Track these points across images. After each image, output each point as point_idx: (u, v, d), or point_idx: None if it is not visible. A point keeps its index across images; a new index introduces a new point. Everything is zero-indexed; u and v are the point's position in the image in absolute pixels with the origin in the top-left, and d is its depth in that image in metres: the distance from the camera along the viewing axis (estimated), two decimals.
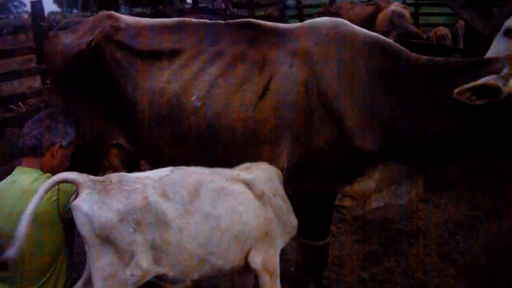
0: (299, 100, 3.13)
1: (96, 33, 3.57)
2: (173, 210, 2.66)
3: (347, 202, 3.42)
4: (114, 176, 2.67)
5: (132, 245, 2.53)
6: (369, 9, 14.88)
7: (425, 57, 3.20)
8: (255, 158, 3.19)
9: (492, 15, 7.06)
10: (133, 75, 3.44)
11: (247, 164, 3.15)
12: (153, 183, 2.69)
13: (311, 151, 3.14)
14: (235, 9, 17.70)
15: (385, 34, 12.85)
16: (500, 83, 2.72)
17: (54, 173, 3.15)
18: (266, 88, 3.19)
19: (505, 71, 2.81)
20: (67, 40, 3.68)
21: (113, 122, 3.60)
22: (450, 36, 12.85)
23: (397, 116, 3.11)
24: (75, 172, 2.65)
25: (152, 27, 3.59)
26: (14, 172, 3.12)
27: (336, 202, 3.40)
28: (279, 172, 3.20)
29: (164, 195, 2.67)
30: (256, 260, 2.93)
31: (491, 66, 2.92)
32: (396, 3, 14.11)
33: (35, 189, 2.87)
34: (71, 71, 3.62)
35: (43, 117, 3.26)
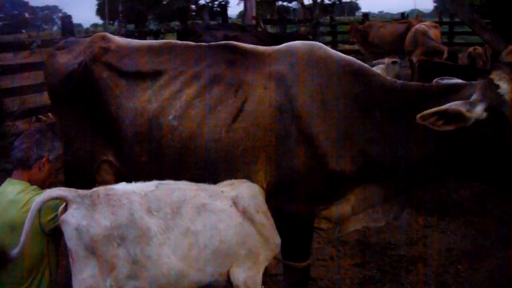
0: (273, 122, 3.16)
1: (86, 54, 3.67)
2: (156, 225, 2.73)
3: (324, 224, 3.43)
4: (102, 190, 2.76)
5: (114, 259, 2.62)
6: (401, 27, 14.84)
7: (399, 82, 3.21)
8: (230, 178, 3.21)
9: None
10: (118, 95, 3.52)
11: (231, 181, 3.18)
12: (139, 199, 2.76)
13: (287, 172, 3.16)
14: (267, 26, 17.83)
15: (410, 52, 12.85)
16: (463, 109, 2.72)
17: (40, 185, 3.27)
18: (240, 110, 3.23)
19: (473, 97, 2.81)
20: (63, 59, 3.79)
21: (102, 139, 3.68)
22: (484, 57, 12.63)
23: (371, 140, 3.11)
24: (63, 188, 2.77)
25: (140, 49, 3.66)
26: (4, 183, 3.27)
27: (315, 224, 3.40)
28: (262, 189, 3.21)
29: (149, 211, 2.74)
30: (238, 277, 2.95)
31: (462, 92, 2.93)
32: (427, 22, 14.00)
33: (19, 200, 3.08)
34: (64, 89, 3.73)
35: (33, 132, 3.41)
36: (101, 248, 2.59)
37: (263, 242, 3.05)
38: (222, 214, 2.92)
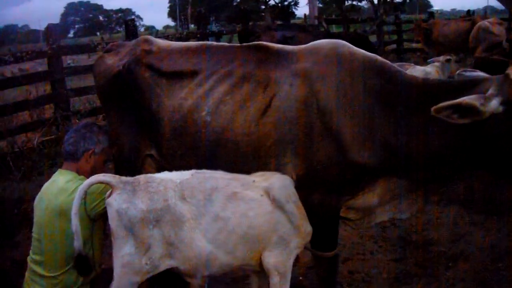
0: (299, 117, 3.32)
1: (131, 56, 3.95)
2: (189, 211, 2.98)
3: (352, 215, 3.55)
4: (142, 178, 3.08)
5: (150, 239, 2.91)
6: (465, 25, 14.51)
7: (420, 78, 3.35)
8: (260, 170, 3.38)
9: None
10: (159, 93, 3.78)
11: (263, 172, 3.36)
12: (174, 186, 3.03)
13: (312, 164, 3.32)
14: (332, 26, 17.80)
15: (474, 49, 12.57)
16: (477, 103, 2.80)
17: (88, 176, 3.56)
18: (268, 106, 3.41)
19: (490, 91, 2.87)
20: (110, 61, 4.09)
21: (146, 135, 3.94)
22: None
23: (394, 133, 3.22)
24: (109, 174, 3.10)
25: (179, 50, 3.92)
26: (55, 173, 3.61)
27: (342, 214, 3.53)
28: (292, 181, 3.36)
29: (183, 198, 3.00)
30: (269, 261, 3.14)
31: (481, 86, 2.99)
32: (491, 19, 13.64)
33: (68, 188, 3.39)
34: (111, 89, 4.04)
35: (80, 127, 3.74)
36: (138, 229, 2.89)
37: (293, 230, 3.21)
38: (253, 202, 3.12)
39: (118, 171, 4.21)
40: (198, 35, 12.38)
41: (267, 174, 3.34)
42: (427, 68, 7.98)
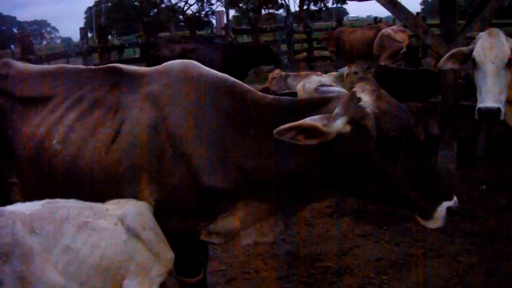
0: (149, 142, 3.18)
1: None
2: (38, 244, 2.83)
3: (214, 239, 3.43)
4: None
5: (1, 276, 2.75)
6: (370, 33, 14.88)
7: (270, 97, 3.25)
8: (117, 197, 3.23)
9: (456, 39, 6.88)
10: (14, 120, 3.59)
11: (118, 200, 3.22)
12: (23, 219, 2.88)
13: (167, 190, 3.20)
14: (241, 36, 17.78)
15: (377, 57, 12.86)
16: (319, 124, 2.72)
17: None
18: (118, 132, 3.26)
19: (336, 111, 2.80)
20: None
21: (7, 163, 3.71)
22: None
23: (246, 156, 3.11)
24: None
25: (36, 74, 3.75)
26: None
27: (205, 239, 3.40)
28: (150, 207, 3.25)
29: (32, 230, 2.85)
30: None
31: (329, 105, 2.93)
32: (395, 26, 14.03)
33: None
34: None
35: None
36: None
37: (153, 257, 3.10)
38: (105, 232, 2.99)
39: None
40: (99, 49, 12.03)
41: (122, 201, 3.20)
42: (322, 78, 7.96)
